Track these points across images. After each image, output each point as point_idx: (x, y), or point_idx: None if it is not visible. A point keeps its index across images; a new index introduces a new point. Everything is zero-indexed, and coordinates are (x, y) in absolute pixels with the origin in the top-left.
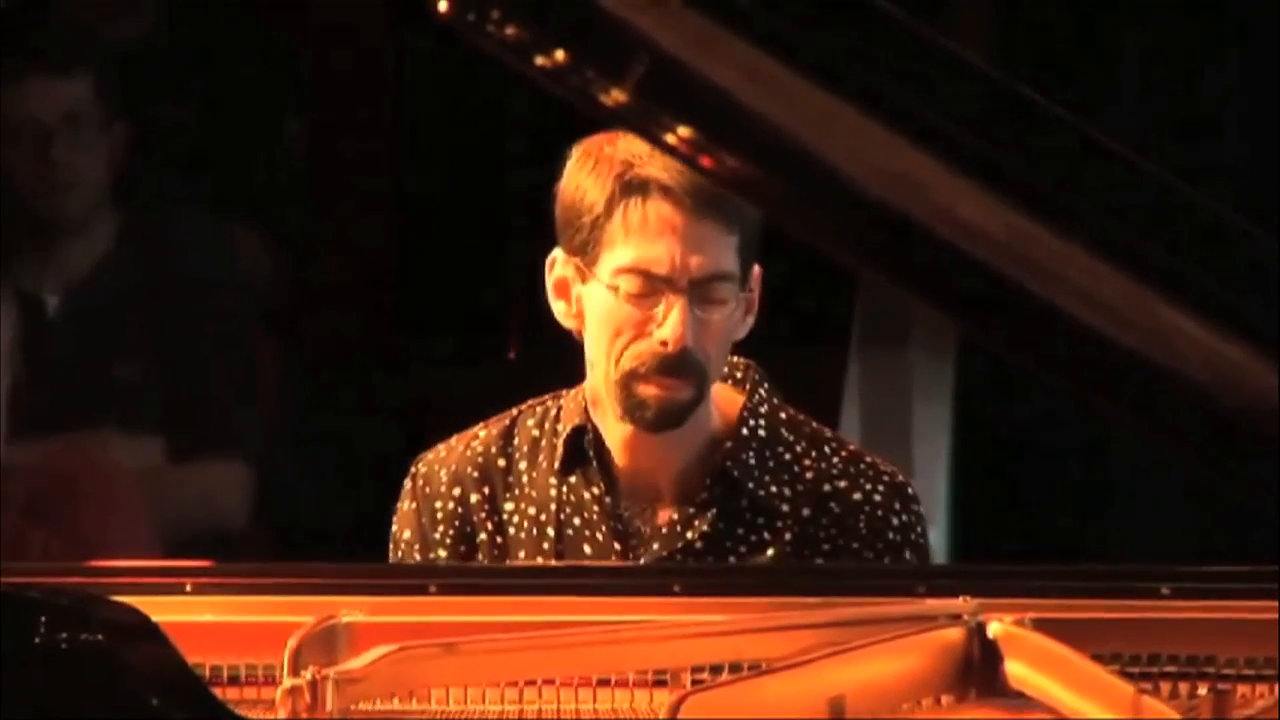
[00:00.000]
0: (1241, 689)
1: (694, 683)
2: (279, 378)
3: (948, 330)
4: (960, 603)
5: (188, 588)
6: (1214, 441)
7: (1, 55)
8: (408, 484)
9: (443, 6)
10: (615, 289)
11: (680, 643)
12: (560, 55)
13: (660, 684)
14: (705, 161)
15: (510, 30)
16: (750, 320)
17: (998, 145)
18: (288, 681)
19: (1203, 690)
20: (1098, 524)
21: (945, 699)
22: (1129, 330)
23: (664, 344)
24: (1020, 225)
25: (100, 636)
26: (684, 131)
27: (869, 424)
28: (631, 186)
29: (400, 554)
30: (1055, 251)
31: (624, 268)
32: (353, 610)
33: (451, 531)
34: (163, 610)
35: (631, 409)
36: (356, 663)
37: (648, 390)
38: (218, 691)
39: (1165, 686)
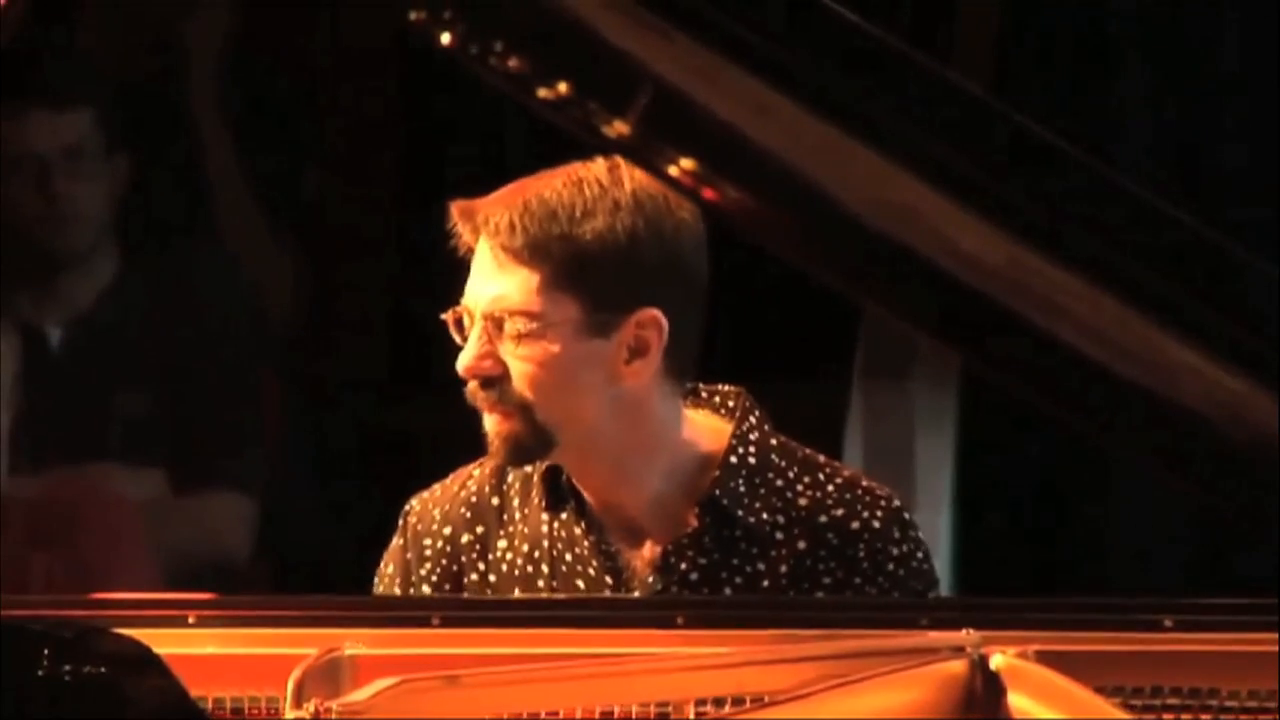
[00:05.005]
0: None
1: (697, 715)
2: (282, 409)
3: (950, 362)
4: (963, 635)
5: (190, 620)
6: (1215, 473)
7: (2, 88)
8: (400, 522)
9: (446, 39)
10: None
11: (683, 675)
12: (563, 87)
13: (663, 716)
14: (707, 193)
15: (513, 62)
16: (642, 368)
17: (999, 177)
18: (290, 714)
19: None
20: (1100, 556)
21: None
22: (1130, 361)
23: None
24: (1022, 257)
25: (103, 669)
26: (686, 163)
27: (872, 456)
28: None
29: (381, 588)
30: (1057, 283)
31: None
32: (356, 643)
33: (438, 570)
34: (165, 642)
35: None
36: (359, 695)
37: (485, 425)
38: None
39: (1168, 718)
